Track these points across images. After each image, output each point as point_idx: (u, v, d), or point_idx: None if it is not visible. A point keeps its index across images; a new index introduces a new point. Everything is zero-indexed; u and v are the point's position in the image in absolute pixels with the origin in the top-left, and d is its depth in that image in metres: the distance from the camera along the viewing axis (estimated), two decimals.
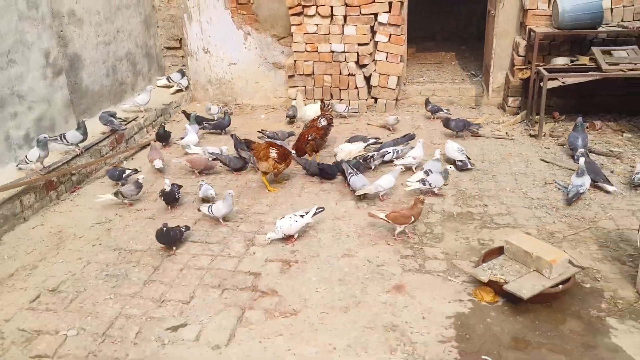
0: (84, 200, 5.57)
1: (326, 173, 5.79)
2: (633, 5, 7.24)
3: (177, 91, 8.85)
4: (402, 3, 7.89)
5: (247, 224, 4.92)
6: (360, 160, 5.95)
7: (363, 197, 5.30)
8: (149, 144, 6.83)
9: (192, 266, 4.25)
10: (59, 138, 5.76)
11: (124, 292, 3.93)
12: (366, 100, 8.36)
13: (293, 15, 8.08)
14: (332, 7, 7.92)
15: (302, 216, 4.52)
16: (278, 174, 5.78)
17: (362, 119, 8.09)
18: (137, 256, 4.41)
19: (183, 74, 8.99)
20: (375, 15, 7.92)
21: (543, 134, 6.91)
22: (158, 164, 6.07)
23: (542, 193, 5.33)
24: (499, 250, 4.02)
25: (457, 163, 5.93)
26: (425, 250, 4.38)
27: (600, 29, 7.04)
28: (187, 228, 4.64)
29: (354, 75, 8.19)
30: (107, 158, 6.39)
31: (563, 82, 6.73)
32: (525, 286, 3.53)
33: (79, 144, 5.92)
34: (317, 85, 8.39)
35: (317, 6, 7.95)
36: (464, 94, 8.54)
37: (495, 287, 3.68)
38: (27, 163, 5.27)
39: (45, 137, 5.31)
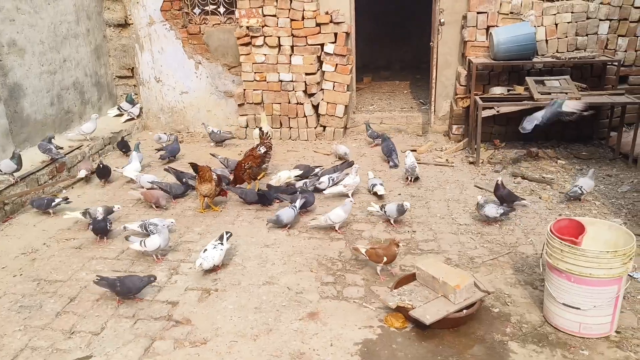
0: (15, 230, 5.50)
1: (266, 199, 5.84)
2: (567, 37, 7.54)
3: (128, 120, 8.87)
4: (347, 34, 8.09)
5: (174, 253, 4.91)
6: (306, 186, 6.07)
7: (289, 228, 5.35)
8: (92, 173, 6.83)
9: (109, 296, 4.21)
10: None
11: (35, 324, 3.87)
12: (315, 128, 8.48)
13: (242, 45, 8.22)
14: (279, 37, 8.09)
15: (221, 244, 4.52)
16: (213, 197, 5.84)
17: (309, 146, 8.19)
18: (56, 287, 4.36)
19: (133, 102, 9.01)
20: (322, 45, 8.11)
21: (481, 160, 7.08)
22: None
23: (470, 219, 5.44)
24: (413, 277, 4.08)
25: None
26: (347, 277, 4.43)
27: (535, 59, 7.31)
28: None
29: (302, 104, 8.33)
30: (45, 187, 6.34)
31: (497, 111, 6.93)
32: (430, 311, 3.58)
33: (13, 173, 5.87)
34: (267, 114, 8.47)
35: (265, 37, 8.11)
36: (411, 122, 8.72)
37: (405, 313, 3.73)
38: None
39: None
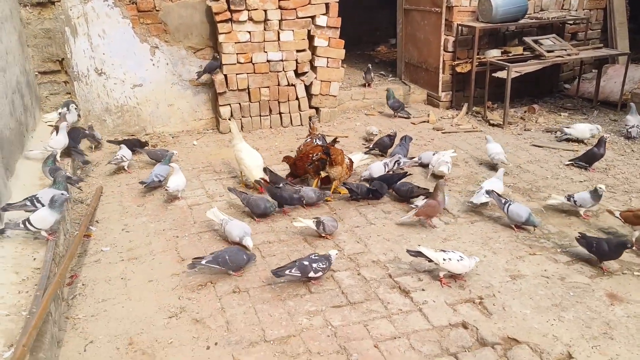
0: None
1: (378, 193, 5.09)
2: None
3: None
4: (337, 3, 7.41)
5: (367, 269, 3.97)
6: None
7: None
8: (101, 194, 5.17)
9: (381, 337, 3.24)
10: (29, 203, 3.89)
11: None
12: (307, 111, 7.66)
13: (221, 22, 6.93)
14: (265, 10, 7.03)
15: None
16: (341, 181, 5.23)
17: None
18: (298, 344, 3.17)
19: (68, 104, 6.91)
20: (313, 17, 7.28)
21: (508, 122, 7.24)
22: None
23: (579, 175, 5.54)
24: None
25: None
26: (572, 252, 4.13)
27: (521, 21, 7.66)
28: None
29: (294, 85, 7.44)
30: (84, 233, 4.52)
31: (518, 72, 7.13)
32: None
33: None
34: (254, 101, 7.38)
35: (249, 10, 6.96)
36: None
37: None
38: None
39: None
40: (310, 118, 6.25)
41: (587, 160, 5.65)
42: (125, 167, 6.04)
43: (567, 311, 3.43)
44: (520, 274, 3.86)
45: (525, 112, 7.78)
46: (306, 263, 3.75)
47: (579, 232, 4.06)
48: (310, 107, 7.71)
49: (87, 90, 7.12)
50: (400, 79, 8.95)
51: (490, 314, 3.43)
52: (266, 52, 7.19)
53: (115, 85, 7.19)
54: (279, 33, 7.17)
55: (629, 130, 6.38)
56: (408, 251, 3.92)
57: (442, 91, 8.10)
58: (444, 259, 3.71)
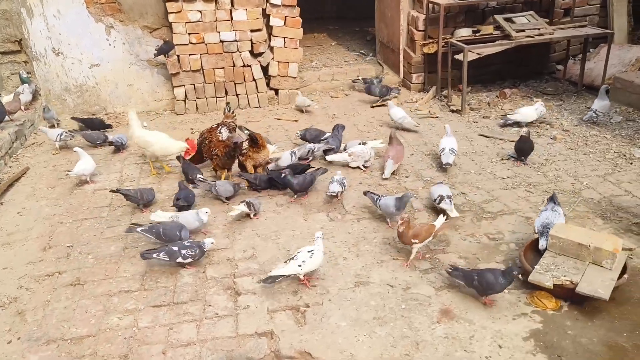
0: None
1: (278, 183, 4.91)
2: None
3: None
4: None
5: (215, 267, 3.85)
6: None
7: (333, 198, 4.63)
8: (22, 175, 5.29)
9: (176, 343, 3.13)
10: None
11: None
12: (266, 93, 7.48)
13: (169, 1, 6.83)
14: None
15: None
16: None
17: (269, 114, 7.21)
18: (89, 345, 3.14)
19: (24, 81, 7.10)
20: None
21: (470, 108, 6.75)
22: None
23: (506, 170, 5.08)
24: (531, 246, 3.61)
25: None
26: (441, 259, 3.81)
27: None
28: None
29: (250, 66, 7.25)
30: None
31: (479, 54, 6.60)
32: (595, 284, 3.14)
33: None
34: (209, 82, 7.28)
35: None
36: (364, 75, 8.07)
37: (556, 291, 3.24)
38: None
39: None
40: (227, 104, 6.00)
41: (517, 153, 5.18)
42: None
43: (384, 326, 3.17)
44: (368, 281, 3.61)
45: (496, 97, 7.22)
46: (175, 248, 3.74)
47: (450, 265, 3.58)
48: (270, 88, 7.53)
49: (46, 70, 7.29)
50: (377, 59, 8.54)
51: (305, 324, 3.23)
52: (219, 32, 7.05)
53: (73, 65, 7.31)
54: (231, 12, 6.99)
55: (587, 112, 5.82)
56: (262, 281, 3.59)
57: (412, 73, 7.63)
58: (300, 266, 3.50)
